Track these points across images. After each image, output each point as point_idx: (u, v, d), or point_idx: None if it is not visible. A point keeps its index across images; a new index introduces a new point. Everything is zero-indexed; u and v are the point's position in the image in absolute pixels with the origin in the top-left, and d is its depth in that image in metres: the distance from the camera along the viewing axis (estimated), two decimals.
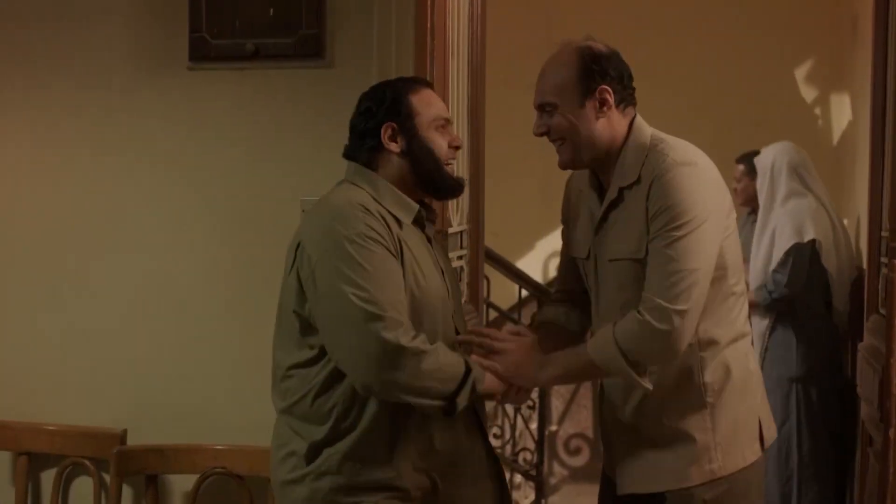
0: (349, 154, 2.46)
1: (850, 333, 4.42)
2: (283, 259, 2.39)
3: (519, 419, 5.33)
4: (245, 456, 3.04)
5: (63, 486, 3.25)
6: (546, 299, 5.13)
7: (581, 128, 2.39)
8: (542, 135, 2.45)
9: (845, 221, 4.73)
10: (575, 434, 6.02)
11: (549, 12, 5.99)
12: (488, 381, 2.36)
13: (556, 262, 6.15)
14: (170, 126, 3.17)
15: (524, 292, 5.40)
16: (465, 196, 3.34)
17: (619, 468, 2.49)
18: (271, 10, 3.06)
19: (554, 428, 5.94)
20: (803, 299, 4.42)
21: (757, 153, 4.76)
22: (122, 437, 3.17)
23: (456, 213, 3.25)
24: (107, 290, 3.21)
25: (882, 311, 2.98)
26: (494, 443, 5.03)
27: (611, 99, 2.39)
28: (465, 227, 3.36)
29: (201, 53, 3.11)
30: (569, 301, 2.66)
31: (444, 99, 3.03)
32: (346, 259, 2.24)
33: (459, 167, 3.18)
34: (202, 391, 3.15)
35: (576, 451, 6.02)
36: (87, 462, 3.19)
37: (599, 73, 2.38)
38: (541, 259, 6.23)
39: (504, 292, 5.45)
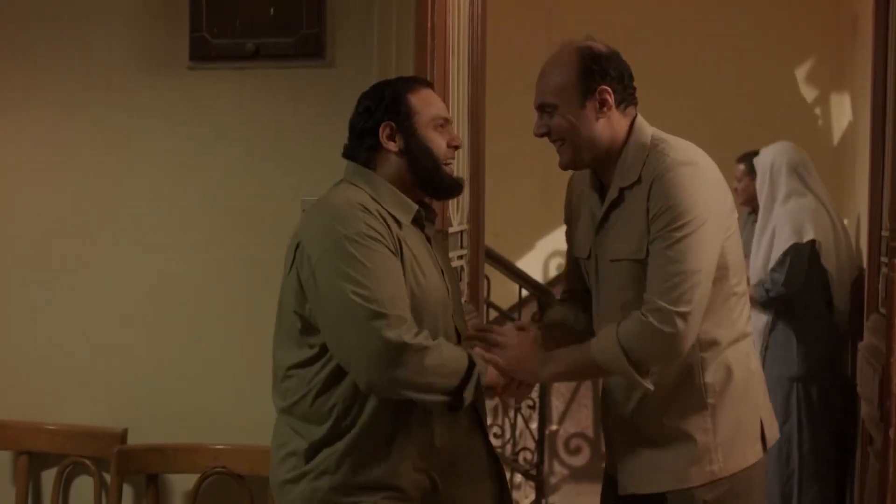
0: (348, 153, 2.46)
1: (850, 333, 4.42)
2: (284, 259, 2.39)
3: (519, 418, 5.33)
4: (246, 455, 3.04)
5: (63, 486, 3.25)
6: (546, 298, 5.14)
7: (581, 128, 2.39)
8: (542, 135, 2.45)
9: (845, 221, 4.73)
10: (575, 433, 6.03)
11: (549, 12, 5.99)
12: (490, 375, 2.36)
13: (556, 261, 6.17)
14: (170, 126, 3.17)
15: (524, 292, 5.40)
16: (466, 196, 3.34)
17: (620, 468, 2.49)
18: (272, 10, 3.06)
19: (554, 427, 5.94)
20: (803, 299, 4.43)
21: (757, 153, 4.76)
22: (123, 436, 3.18)
23: (456, 213, 3.25)
24: (107, 290, 3.22)
25: (882, 310, 2.98)
26: (495, 442, 5.02)
27: (611, 99, 2.39)
28: (465, 226, 3.36)
29: (202, 53, 3.11)
30: (575, 301, 2.66)
31: (445, 99, 3.03)
32: (346, 258, 2.24)
33: (460, 167, 3.18)
34: (203, 391, 3.15)
35: (576, 451, 6.02)
36: (87, 461, 3.19)
37: (599, 73, 2.38)
38: (541, 259, 6.23)
39: (504, 292, 5.45)
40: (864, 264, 3.64)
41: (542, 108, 2.43)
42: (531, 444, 5.36)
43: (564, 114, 2.39)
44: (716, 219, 2.32)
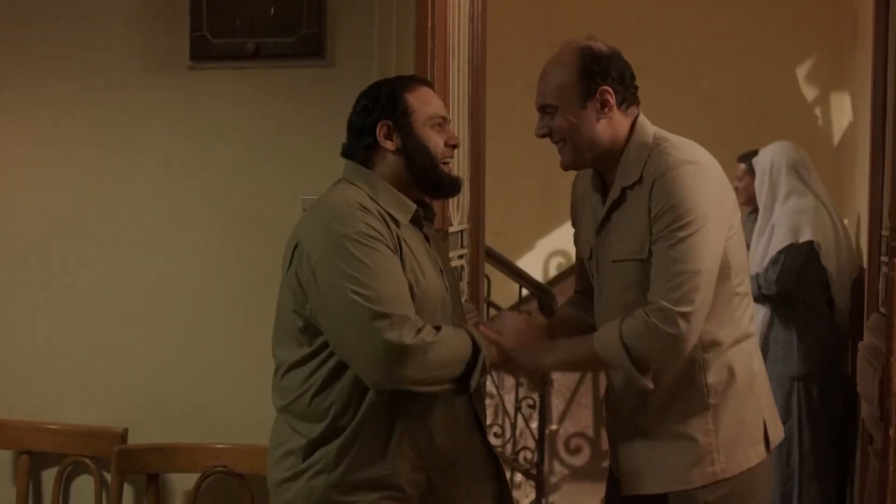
0: (346, 152, 2.46)
1: (850, 332, 4.42)
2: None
3: (519, 418, 5.34)
4: (246, 455, 3.04)
5: (64, 485, 3.25)
6: (546, 298, 5.15)
7: (583, 129, 2.38)
8: (543, 136, 2.44)
9: (846, 221, 4.73)
10: (575, 433, 6.03)
11: (549, 12, 5.99)
12: (492, 355, 2.37)
13: (556, 261, 6.17)
14: (170, 125, 3.17)
15: (524, 291, 5.40)
16: (466, 195, 3.34)
17: (622, 468, 2.49)
18: (272, 10, 3.06)
19: (554, 427, 5.94)
20: (803, 298, 4.43)
21: (758, 152, 4.76)
22: (123, 435, 3.18)
23: (456, 212, 3.25)
24: (107, 290, 3.22)
25: (882, 310, 2.98)
26: (495, 441, 5.04)
27: (612, 99, 2.39)
28: (465, 226, 3.36)
29: (202, 53, 3.11)
30: (587, 302, 2.66)
31: (445, 98, 3.03)
32: (346, 258, 2.24)
33: (460, 166, 3.18)
34: (203, 390, 3.15)
35: (576, 450, 6.02)
36: (88, 461, 3.19)
37: (600, 73, 2.38)
38: (541, 258, 6.23)
39: (504, 291, 5.45)
40: (865, 264, 3.64)
41: (543, 109, 2.43)
42: (531, 444, 5.37)
43: (565, 114, 2.39)
44: (718, 218, 2.31)
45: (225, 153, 3.14)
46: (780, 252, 4.42)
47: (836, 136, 5.75)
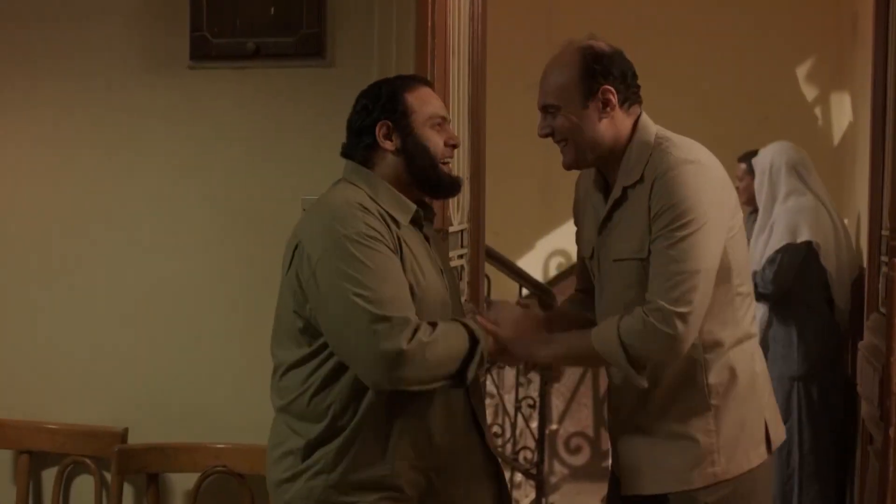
0: (346, 152, 2.45)
1: (850, 332, 4.42)
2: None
3: (519, 418, 5.33)
4: (246, 455, 3.04)
5: (64, 485, 3.25)
6: (546, 298, 5.14)
7: (585, 129, 2.38)
8: (546, 136, 2.43)
9: (846, 221, 4.73)
10: (575, 433, 6.03)
11: (549, 12, 5.99)
12: (489, 343, 2.37)
13: (556, 260, 6.17)
14: (170, 125, 3.17)
15: (524, 291, 5.40)
16: (466, 195, 3.34)
17: (622, 468, 2.49)
18: (272, 10, 3.06)
19: (554, 427, 5.94)
20: (802, 298, 4.43)
21: (758, 152, 4.76)
22: (124, 435, 3.18)
23: (456, 212, 3.25)
24: (107, 289, 3.22)
25: (882, 309, 2.98)
26: (495, 441, 5.04)
27: (614, 99, 2.38)
28: (465, 225, 3.36)
29: (202, 52, 3.11)
30: (587, 300, 2.66)
31: (445, 98, 3.03)
32: (347, 258, 2.23)
33: (460, 166, 3.18)
34: (203, 390, 3.15)
35: (576, 450, 6.02)
36: (88, 461, 3.19)
37: (602, 72, 2.37)
38: (541, 258, 6.23)
39: (504, 291, 5.44)
40: (865, 264, 3.64)
41: (545, 109, 2.42)
42: (531, 444, 5.36)
43: (567, 114, 2.38)
44: (718, 218, 2.31)
45: (225, 153, 3.14)
46: (777, 251, 4.43)
47: (836, 136, 5.76)
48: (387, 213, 2.35)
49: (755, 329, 2.50)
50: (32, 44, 3.24)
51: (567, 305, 2.73)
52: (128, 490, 3.18)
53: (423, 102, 2.41)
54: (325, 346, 2.31)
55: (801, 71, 5.91)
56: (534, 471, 5.30)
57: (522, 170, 5.72)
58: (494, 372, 5.05)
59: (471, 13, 3.39)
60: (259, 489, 3.02)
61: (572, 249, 2.75)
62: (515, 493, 5.28)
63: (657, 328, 2.24)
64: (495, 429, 5.25)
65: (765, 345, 4.47)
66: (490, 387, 4.99)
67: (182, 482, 3.17)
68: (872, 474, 3.07)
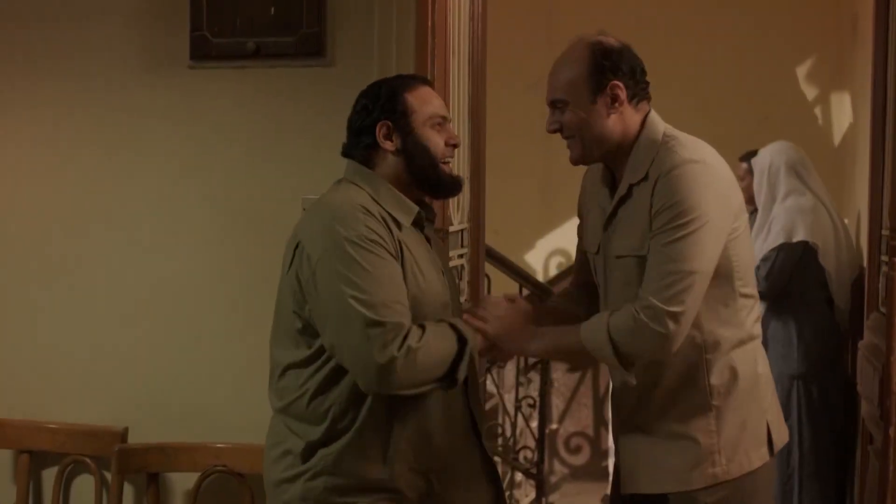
0: (346, 152, 2.45)
1: (851, 331, 4.42)
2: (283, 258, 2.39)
3: (519, 417, 5.34)
4: (246, 454, 3.04)
5: (64, 485, 3.25)
6: (547, 297, 5.14)
7: (593, 124, 2.37)
8: (554, 132, 2.43)
9: (846, 220, 4.73)
10: (575, 432, 6.03)
11: (549, 12, 5.99)
12: (478, 341, 2.37)
13: (556, 260, 6.17)
14: (170, 125, 3.17)
15: (525, 291, 5.40)
16: (466, 194, 3.34)
17: (623, 467, 2.49)
18: (272, 9, 3.06)
19: (554, 426, 5.94)
20: (801, 297, 4.43)
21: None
22: (124, 435, 3.18)
23: (457, 212, 3.25)
24: (107, 289, 3.22)
25: (882, 309, 2.98)
26: (495, 441, 5.04)
27: (622, 94, 2.37)
28: (465, 225, 3.36)
29: (202, 52, 3.11)
30: (580, 295, 2.66)
31: (445, 98, 3.03)
32: (346, 260, 2.23)
33: (460, 166, 3.18)
34: (203, 389, 3.15)
35: (576, 450, 6.03)
36: (88, 460, 3.19)
37: (611, 68, 2.36)
38: (541, 257, 6.23)
39: (505, 290, 5.43)
40: (865, 263, 3.64)
41: (553, 104, 2.41)
42: (531, 443, 5.37)
43: (576, 109, 2.37)
44: (719, 219, 2.30)
45: (225, 153, 3.14)
46: (772, 250, 4.43)
47: (837, 136, 5.76)
48: (389, 214, 2.34)
49: (758, 330, 2.48)
50: (32, 44, 3.24)
51: (559, 301, 2.72)
52: (128, 489, 3.18)
53: (423, 102, 2.40)
54: (324, 349, 2.31)
55: (801, 71, 5.91)
56: (534, 470, 5.31)
57: (522, 169, 5.72)
58: (494, 371, 5.06)
59: (471, 13, 3.39)
60: (259, 489, 3.02)
61: (572, 249, 2.75)
62: (515, 493, 5.28)
63: (647, 326, 2.24)
64: (496, 428, 5.25)
65: (764, 344, 4.46)
66: (490, 386, 4.99)
67: (182, 482, 3.17)
68: (872, 474, 3.07)
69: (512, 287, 5.41)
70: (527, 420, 5.40)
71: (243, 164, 3.13)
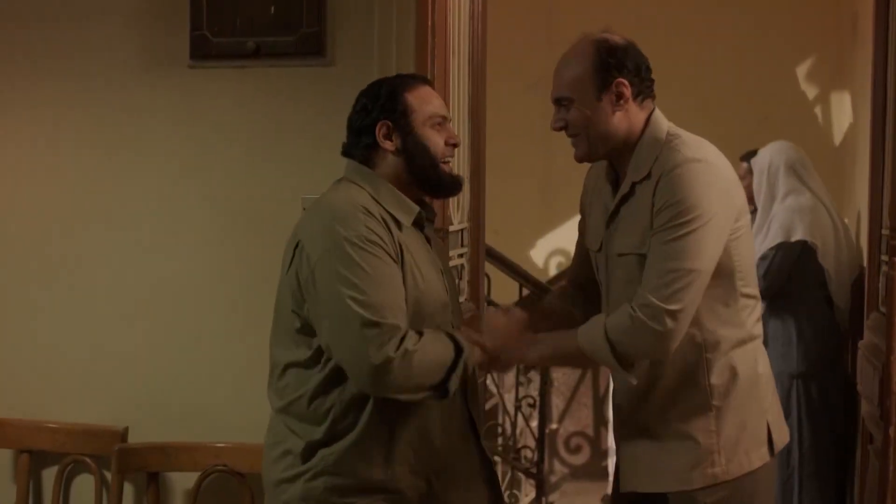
0: (346, 151, 2.44)
1: (851, 331, 4.42)
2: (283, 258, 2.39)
3: (520, 417, 5.34)
4: (246, 454, 3.04)
5: (64, 484, 3.25)
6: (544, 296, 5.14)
7: (598, 122, 2.37)
8: (559, 129, 2.42)
9: (846, 220, 4.73)
10: (575, 432, 6.03)
11: (549, 12, 5.99)
12: (476, 354, 2.36)
13: (556, 260, 6.17)
14: (170, 124, 3.17)
15: (525, 290, 5.41)
16: (466, 194, 3.34)
17: (623, 465, 2.49)
18: (272, 9, 3.06)
19: (554, 426, 5.94)
20: (800, 296, 4.43)
21: None
22: (124, 434, 3.18)
23: (457, 212, 3.25)
24: (107, 288, 3.22)
25: (882, 308, 2.98)
26: (495, 440, 5.04)
27: (628, 92, 2.37)
28: (465, 225, 3.36)
29: (202, 51, 3.11)
30: (575, 293, 2.66)
31: (445, 97, 3.03)
32: (345, 261, 2.23)
33: (460, 165, 3.18)
34: (203, 389, 3.15)
35: (576, 450, 6.03)
36: (88, 460, 3.19)
37: (616, 65, 2.36)
38: (541, 257, 6.23)
39: (505, 290, 5.44)
40: (865, 263, 3.64)
41: (558, 102, 2.41)
42: (531, 443, 5.37)
43: (581, 107, 2.37)
44: (720, 219, 2.29)
45: (225, 152, 3.14)
46: (770, 249, 4.43)
47: (837, 135, 5.76)
48: (389, 214, 2.34)
49: (759, 330, 2.47)
50: (32, 44, 3.24)
51: (553, 301, 2.71)
52: (128, 489, 3.18)
53: (422, 102, 2.40)
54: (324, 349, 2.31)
55: (802, 71, 5.92)
56: (534, 470, 5.31)
57: (522, 169, 5.72)
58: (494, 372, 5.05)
59: (471, 12, 3.39)
60: (259, 488, 3.01)
61: (572, 248, 2.74)
62: (515, 493, 5.28)
63: (645, 324, 2.23)
64: (496, 428, 5.25)
65: (763, 343, 4.46)
66: (490, 386, 4.99)
67: (182, 481, 3.17)
68: (872, 473, 3.07)
69: (512, 286, 5.42)
70: (527, 420, 5.40)
71: (243, 163, 3.13)
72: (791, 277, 4.42)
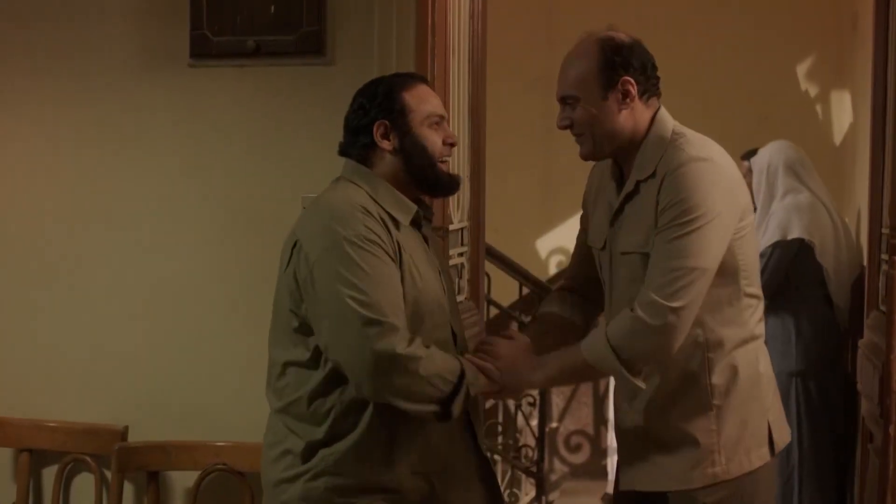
0: (343, 150, 2.43)
1: (851, 330, 4.42)
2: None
3: (520, 416, 5.34)
4: (246, 452, 3.04)
5: (64, 483, 3.25)
6: (543, 296, 5.14)
7: (604, 120, 2.36)
8: (565, 128, 2.41)
9: (846, 219, 4.73)
10: (575, 431, 6.03)
11: (549, 12, 5.99)
12: (481, 382, 2.34)
13: (556, 258, 6.17)
14: (171, 123, 3.17)
15: (525, 289, 5.41)
16: (466, 193, 3.34)
17: (624, 464, 2.48)
18: (272, 8, 3.06)
19: (555, 425, 5.94)
20: (799, 295, 4.43)
21: None
22: (124, 433, 3.18)
23: (456, 210, 3.25)
24: (107, 288, 3.22)
25: (882, 307, 2.98)
26: (495, 439, 5.05)
27: (633, 90, 2.36)
28: (465, 223, 3.36)
29: (202, 50, 3.12)
30: (573, 291, 2.65)
31: (445, 96, 3.03)
32: (344, 261, 2.22)
33: (460, 164, 3.18)
34: (203, 388, 3.16)
35: (576, 448, 6.02)
36: (88, 459, 3.19)
37: (621, 64, 2.35)
38: (541, 256, 6.23)
39: (505, 289, 5.45)
40: (865, 262, 3.64)
41: (564, 101, 2.40)
42: (531, 441, 5.37)
43: (587, 105, 2.36)
44: (724, 218, 2.29)
45: (225, 151, 3.14)
46: (767, 247, 4.44)
47: (837, 135, 5.76)
48: (387, 213, 2.33)
49: (761, 330, 2.46)
50: (32, 43, 3.24)
51: (552, 309, 2.67)
52: (128, 488, 3.18)
53: (420, 101, 2.39)
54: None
55: (802, 70, 5.91)
56: (534, 469, 5.31)
57: (522, 168, 5.72)
58: None
59: (471, 12, 3.39)
60: (259, 487, 3.02)
61: (572, 247, 2.74)
62: (515, 491, 5.28)
63: (647, 324, 2.22)
64: (496, 427, 5.26)
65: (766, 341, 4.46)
66: None
67: (182, 480, 3.17)
68: (872, 472, 3.07)
69: (512, 285, 5.42)
70: (527, 418, 5.40)
71: (243, 163, 3.13)
72: (789, 276, 4.43)
